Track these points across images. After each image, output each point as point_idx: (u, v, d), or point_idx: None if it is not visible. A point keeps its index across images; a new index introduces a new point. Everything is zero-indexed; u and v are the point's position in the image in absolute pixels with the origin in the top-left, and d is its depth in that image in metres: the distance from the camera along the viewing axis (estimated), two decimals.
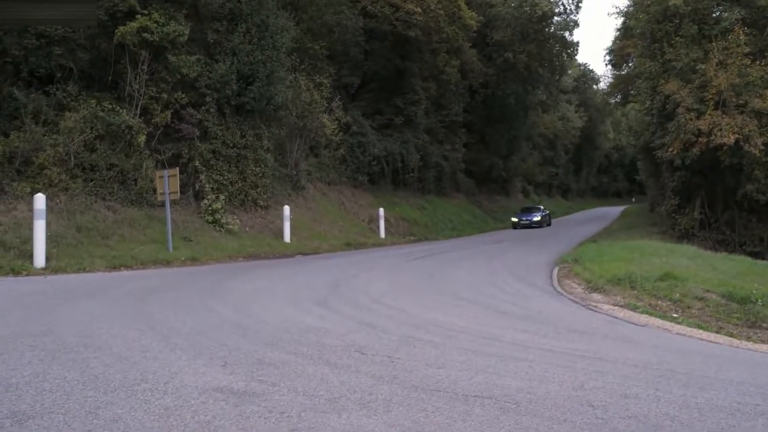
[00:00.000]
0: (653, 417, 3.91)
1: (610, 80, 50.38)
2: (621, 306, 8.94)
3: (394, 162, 30.53)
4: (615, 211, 56.03)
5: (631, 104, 42.80)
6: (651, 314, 8.31)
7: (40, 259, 11.01)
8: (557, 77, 47.02)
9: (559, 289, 10.74)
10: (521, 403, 4.07)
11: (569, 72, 61.25)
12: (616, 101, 55.19)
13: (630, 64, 38.74)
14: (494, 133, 43.37)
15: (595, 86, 73.00)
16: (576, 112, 66.28)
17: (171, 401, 3.89)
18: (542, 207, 39.61)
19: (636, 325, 7.62)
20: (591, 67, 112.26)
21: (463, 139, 39.26)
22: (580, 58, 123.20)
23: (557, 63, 43.38)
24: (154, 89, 16.47)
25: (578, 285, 11.16)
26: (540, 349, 5.83)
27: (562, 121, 62.86)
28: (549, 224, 37.01)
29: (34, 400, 3.83)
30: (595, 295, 9.94)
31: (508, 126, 43.82)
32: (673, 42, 26.26)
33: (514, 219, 35.62)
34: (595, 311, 8.57)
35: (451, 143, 37.57)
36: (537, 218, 35.48)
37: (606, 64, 78.96)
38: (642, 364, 5.37)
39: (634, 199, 76.49)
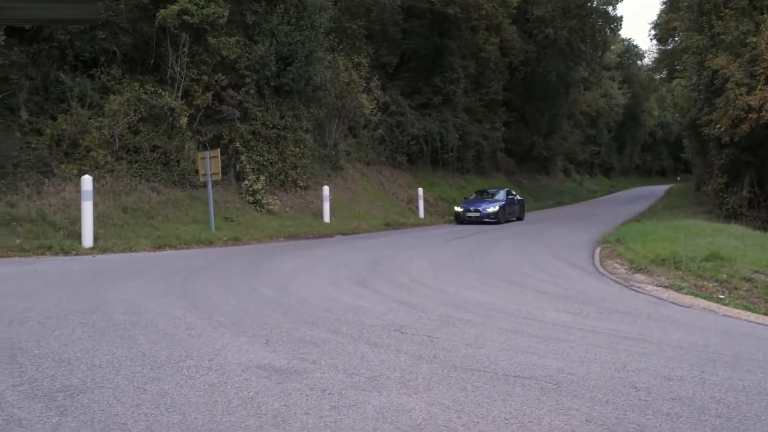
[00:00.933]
0: (698, 399, 3.83)
1: (655, 55, 49.06)
2: (665, 287, 8.75)
3: (432, 141, 30.32)
4: (659, 190, 54.75)
5: (677, 80, 41.51)
6: (696, 295, 8.12)
7: (88, 239, 11.33)
8: (600, 53, 45.83)
9: (601, 269, 10.58)
10: (562, 383, 4.04)
11: (612, 48, 59.63)
12: (661, 77, 53.74)
13: (676, 39, 37.54)
14: (535, 112, 42.64)
15: (639, 62, 71.05)
16: (619, 89, 64.64)
17: (215, 378, 3.98)
18: (508, 191, 25.65)
19: (681, 306, 7.46)
20: (635, 43, 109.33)
21: (502, 117, 38.72)
22: (624, 33, 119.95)
23: (600, 38, 42.24)
24: (195, 71, 16.66)
25: (621, 265, 10.97)
26: (581, 329, 5.77)
27: (605, 98, 61.34)
28: (520, 218, 24.64)
29: (85, 375, 3.97)
30: (639, 276, 9.76)
31: (548, 104, 43.00)
32: (722, 14, 25.28)
33: (458, 209, 23.02)
34: (638, 292, 8.42)
35: (490, 122, 37.09)
36: (491, 210, 22.25)
37: (651, 39, 77.11)
38: (687, 346, 5.27)
39: (679, 178, 74.63)
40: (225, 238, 13.72)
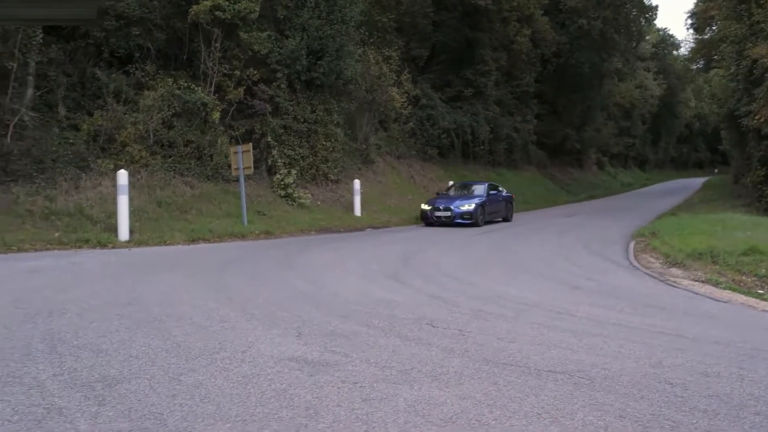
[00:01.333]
0: (736, 396, 3.75)
1: (692, 45, 47.91)
2: (702, 281, 8.58)
3: (463, 134, 30.13)
4: (696, 182, 53.59)
5: (715, 70, 40.54)
6: (734, 290, 7.94)
7: (124, 233, 11.56)
8: (634, 44, 44.98)
9: (635, 263, 10.42)
10: (596, 379, 4.00)
11: (647, 38, 58.52)
12: (697, 67, 52.49)
13: (713, 28, 36.58)
14: (567, 104, 42.04)
15: (675, 52, 69.52)
16: (654, 80, 63.36)
17: (248, 369, 4.03)
18: (491, 184, 20.90)
19: (718, 301, 7.31)
20: (671, 32, 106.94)
21: (534, 110, 38.27)
22: (659, 22, 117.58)
23: (634, 29, 41.44)
24: (227, 66, 16.82)
25: (656, 259, 10.79)
26: (615, 324, 5.69)
27: (640, 90, 60.16)
28: (507, 218, 20.28)
29: (122, 365, 4.05)
30: (674, 270, 9.58)
31: (581, 96, 42.33)
32: (762, 2, 24.59)
33: (426, 207, 18.50)
34: (674, 286, 8.27)
35: (522, 114, 36.70)
36: (465, 208, 17.90)
37: (687, 29, 75.45)
38: (724, 342, 5.16)
39: (716, 170, 72.91)
40: (257, 232, 13.86)
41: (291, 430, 3.06)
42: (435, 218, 17.69)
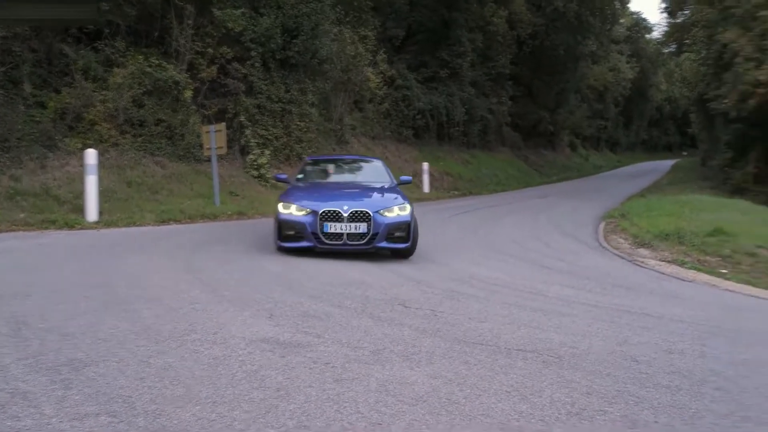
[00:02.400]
0: (698, 372, 3.86)
1: (665, 29, 48.30)
2: (668, 261, 8.76)
3: (438, 116, 30.13)
4: (665, 165, 54.45)
5: (686, 54, 41.02)
6: (699, 270, 8.13)
7: (92, 213, 11.35)
8: (609, 27, 45.24)
9: (604, 244, 10.58)
10: (564, 357, 4.07)
11: (621, 21, 58.83)
12: (670, 51, 53.01)
13: (686, 12, 36.95)
14: (542, 86, 42.23)
15: (647, 36, 70.13)
16: (627, 63, 63.93)
17: (219, 351, 4.01)
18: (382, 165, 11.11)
19: (683, 280, 7.48)
20: (644, 16, 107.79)
21: (509, 91, 38.37)
22: (634, 6, 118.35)
23: (609, 11, 41.65)
24: (200, 44, 16.52)
25: (625, 240, 10.97)
26: (584, 304, 5.78)
27: (613, 73, 60.71)
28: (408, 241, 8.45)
29: (90, 348, 4.00)
30: (642, 251, 9.76)
31: (556, 78, 42.55)
32: None
33: (291, 212, 8.33)
34: (642, 267, 8.43)
35: (497, 96, 36.77)
36: (395, 214, 8.34)
37: (661, 12, 75.99)
38: (688, 320, 5.28)
39: (685, 153, 74.15)
40: (230, 213, 13.74)
41: (262, 411, 3.06)
42: (324, 239, 8.12)
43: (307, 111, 19.58)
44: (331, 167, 11.38)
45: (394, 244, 8.30)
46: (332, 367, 3.75)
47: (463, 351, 4.15)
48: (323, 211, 8.09)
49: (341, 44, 21.75)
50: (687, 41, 37.60)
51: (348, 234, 8.07)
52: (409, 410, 3.11)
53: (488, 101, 35.66)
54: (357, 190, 9.42)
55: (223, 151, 14.85)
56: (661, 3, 53.97)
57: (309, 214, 8.16)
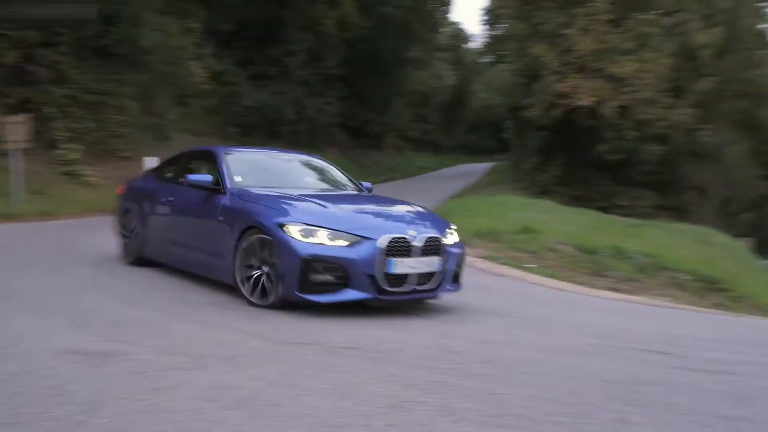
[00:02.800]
0: (509, 360, 4.19)
1: (487, 40, 51.81)
2: (483, 257, 9.41)
3: (267, 114, 29.80)
4: (483, 167, 58.27)
5: (502, 65, 44.36)
6: (510, 265, 8.83)
7: None
8: (432, 34, 47.63)
9: None
10: (385, 352, 4.20)
11: (441, 30, 62.20)
12: (487, 61, 57.06)
13: (504, 25, 39.90)
14: (370, 88, 43.33)
15: (465, 46, 74.78)
16: (451, 70, 67.73)
17: (17, 366, 3.60)
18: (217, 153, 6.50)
19: (496, 275, 8.07)
20: (463, 27, 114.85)
21: (339, 92, 38.96)
22: (459, 17, 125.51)
23: (430, 20, 43.85)
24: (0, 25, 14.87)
25: None
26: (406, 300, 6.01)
27: (436, 79, 64.01)
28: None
29: None
30: None
31: (384, 81, 43.94)
32: (542, 6, 27.31)
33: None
34: None
35: (327, 96, 37.17)
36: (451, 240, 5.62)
37: (482, 24, 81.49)
38: (500, 312, 5.70)
39: (504, 157, 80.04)
40: (33, 213, 12.57)
41: (65, 429, 2.80)
42: (387, 285, 5.08)
43: (125, 104, 18.43)
44: (275, 165, 7.23)
45: (454, 287, 5.68)
46: (149, 376, 3.53)
47: (287, 351, 4.14)
48: (391, 240, 5.05)
49: (165, 35, 20.70)
50: (503, 53, 40.64)
51: (418, 275, 5.21)
52: (232, 415, 3.03)
53: (318, 101, 35.90)
54: (378, 203, 6.14)
55: (27, 144, 13.56)
56: (483, 15, 57.71)
57: (355, 244, 5.02)
